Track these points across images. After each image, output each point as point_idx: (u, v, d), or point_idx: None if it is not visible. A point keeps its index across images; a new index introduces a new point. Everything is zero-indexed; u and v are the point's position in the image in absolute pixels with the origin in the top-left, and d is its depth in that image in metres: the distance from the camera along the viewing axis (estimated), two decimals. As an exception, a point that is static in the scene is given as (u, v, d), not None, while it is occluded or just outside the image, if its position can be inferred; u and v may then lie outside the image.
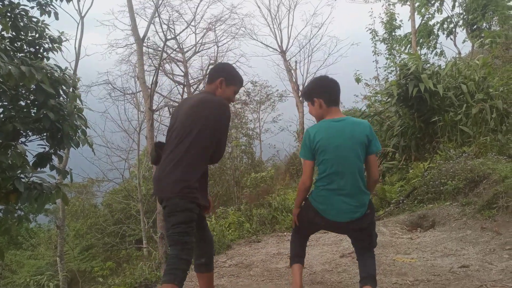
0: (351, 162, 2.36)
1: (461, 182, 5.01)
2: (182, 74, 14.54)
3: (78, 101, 3.95)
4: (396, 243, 4.26)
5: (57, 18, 4.60)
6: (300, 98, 14.47)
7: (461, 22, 16.09)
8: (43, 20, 4.30)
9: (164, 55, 12.50)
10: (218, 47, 14.97)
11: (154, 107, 9.39)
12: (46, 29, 4.29)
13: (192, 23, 14.02)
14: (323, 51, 29.10)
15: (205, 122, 2.32)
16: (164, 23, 12.60)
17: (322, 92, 2.52)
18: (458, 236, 4.07)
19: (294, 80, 16.16)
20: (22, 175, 3.53)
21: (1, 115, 3.58)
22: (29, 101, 3.78)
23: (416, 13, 15.49)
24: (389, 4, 16.89)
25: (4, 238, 13.52)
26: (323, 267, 3.72)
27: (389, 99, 7.98)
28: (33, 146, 3.88)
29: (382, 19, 17.07)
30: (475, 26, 15.34)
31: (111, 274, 11.42)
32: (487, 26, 15.02)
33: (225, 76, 2.53)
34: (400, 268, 3.40)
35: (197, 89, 15.58)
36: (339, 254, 4.02)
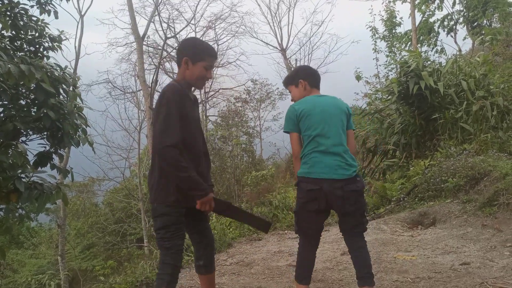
0: (336, 123, 2.46)
1: (461, 180, 5.00)
2: (182, 72, 14.49)
3: (78, 100, 3.94)
4: (397, 240, 4.26)
5: (56, 17, 4.60)
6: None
7: (461, 19, 16.07)
8: (43, 19, 4.29)
9: (164, 53, 12.50)
10: (218, 45, 14.98)
11: (154, 106, 9.37)
12: (46, 28, 4.28)
13: (192, 21, 14.05)
14: (323, 49, 29.16)
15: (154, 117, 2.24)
16: (164, 22, 12.62)
17: (307, 75, 2.71)
18: (459, 233, 4.07)
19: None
20: (22, 175, 3.53)
21: (2, 114, 3.57)
22: (29, 100, 3.78)
23: (416, 11, 15.45)
24: (389, 2, 16.86)
25: (5, 237, 13.55)
26: (324, 265, 3.72)
27: (389, 97, 7.97)
28: (34, 145, 3.88)
29: (382, 16, 17.05)
30: (475, 23, 15.33)
31: (112, 273, 11.43)
32: (488, 23, 15.00)
33: (188, 54, 2.24)
34: (401, 266, 3.40)
35: (197, 88, 15.56)
36: (340, 252, 4.03)
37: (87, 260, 15.13)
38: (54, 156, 3.89)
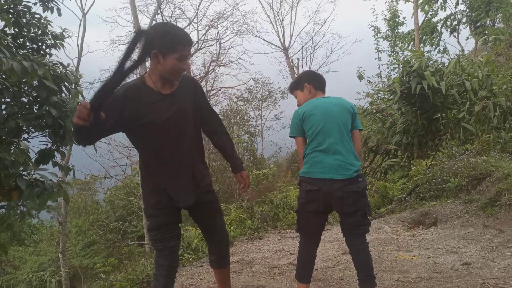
0: (338, 122, 2.44)
1: (463, 180, 4.99)
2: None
3: (80, 97, 3.95)
4: (398, 240, 4.26)
5: (59, 15, 4.60)
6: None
7: (464, 19, 16.00)
8: (46, 17, 4.31)
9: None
10: (220, 44, 14.99)
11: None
12: (49, 26, 4.29)
13: (195, 20, 14.07)
14: (326, 48, 29.19)
15: None
16: (167, 20, 12.60)
17: (311, 78, 2.71)
18: (461, 233, 4.07)
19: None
20: (24, 172, 3.54)
21: (4, 112, 3.58)
22: (31, 98, 3.79)
23: (419, 10, 15.40)
24: (392, 1, 16.82)
25: (7, 234, 13.58)
26: (325, 264, 3.72)
27: (391, 97, 7.95)
28: (36, 142, 3.90)
29: (385, 16, 17.00)
30: (478, 23, 15.26)
31: (113, 270, 11.46)
32: (491, 23, 14.95)
33: (157, 48, 1.95)
34: (402, 266, 3.39)
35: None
36: (341, 251, 4.03)
37: (88, 257, 15.18)
38: (56, 153, 3.90)
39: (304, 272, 2.54)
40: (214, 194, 2.37)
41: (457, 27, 16.40)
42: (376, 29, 16.75)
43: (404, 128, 7.32)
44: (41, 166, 3.75)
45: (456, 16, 16.27)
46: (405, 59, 8.42)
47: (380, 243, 4.17)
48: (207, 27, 14.62)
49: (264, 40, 16.85)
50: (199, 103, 2.26)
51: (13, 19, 3.90)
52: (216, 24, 14.63)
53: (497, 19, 14.75)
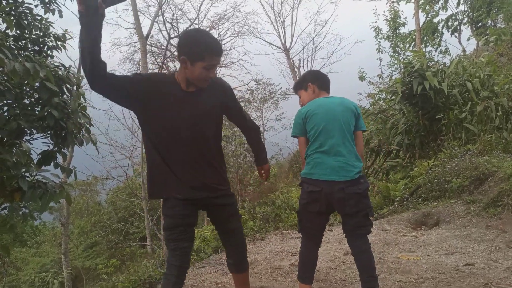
0: (341, 123, 2.42)
1: (465, 180, 4.98)
2: (186, 72, 14.53)
3: (82, 99, 3.95)
4: (401, 241, 4.25)
5: (61, 16, 4.60)
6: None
7: (466, 19, 15.99)
8: (47, 18, 4.31)
9: (168, 53, 12.51)
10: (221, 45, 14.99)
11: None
12: (50, 27, 4.29)
13: (196, 21, 14.07)
14: (327, 49, 29.22)
15: None
16: (168, 22, 12.64)
17: (315, 78, 2.69)
18: (463, 234, 4.06)
19: (297, 78, 16.13)
20: (26, 174, 3.54)
21: (6, 113, 3.59)
22: (33, 99, 3.79)
23: (420, 11, 15.39)
24: (393, 2, 16.82)
25: (9, 235, 13.62)
26: (327, 264, 3.71)
27: (393, 97, 7.94)
28: (37, 144, 3.89)
29: (386, 16, 17.00)
30: (480, 24, 15.24)
31: (115, 271, 11.48)
32: (492, 24, 14.93)
33: (186, 55, 2.01)
34: (404, 266, 3.39)
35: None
36: (343, 252, 4.02)
37: (90, 258, 15.21)
38: (57, 155, 3.90)
39: (306, 273, 2.54)
40: (231, 198, 2.37)
41: (458, 27, 16.38)
42: (377, 30, 16.76)
43: (405, 129, 7.31)
44: (43, 168, 3.75)
45: (458, 17, 16.25)
46: (406, 59, 8.40)
47: (382, 243, 4.16)
48: (208, 28, 14.63)
49: (265, 41, 16.87)
50: (229, 106, 2.33)
51: (14, 21, 3.91)
52: (217, 26, 14.66)
53: (499, 19, 14.73)
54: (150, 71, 11.11)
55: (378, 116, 8.50)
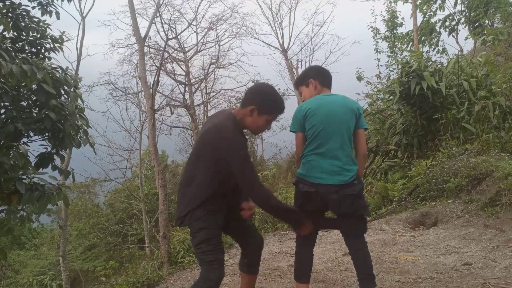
0: (341, 125, 2.40)
1: (463, 180, 4.99)
2: (184, 73, 14.55)
3: (79, 101, 3.95)
4: (399, 241, 4.25)
5: (58, 18, 4.60)
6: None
7: (463, 19, 16.03)
8: (44, 20, 4.30)
9: (166, 54, 12.49)
10: (219, 46, 14.97)
11: (155, 107, 9.39)
12: (48, 29, 4.28)
13: (193, 23, 14.06)
14: (325, 50, 29.19)
15: (210, 150, 2.16)
16: (166, 23, 12.61)
17: (317, 74, 2.64)
18: (461, 233, 4.06)
19: (295, 78, 16.11)
20: (24, 176, 3.53)
21: (3, 116, 3.58)
22: (30, 102, 3.78)
23: (418, 11, 15.43)
24: (390, 2, 16.83)
25: (7, 238, 13.56)
26: (326, 265, 3.71)
27: (391, 97, 7.96)
28: (35, 146, 3.88)
29: (384, 17, 17.00)
30: (477, 23, 15.29)
31: (113, 273, 11.47)
32: (490, 23, 14.98)
33: (257, 105, 2.21)
34: (402, 266, 3.39)
35: (199, 89, 15.59)
36: (342, 253, 4.02)
37: (89, 260, 15.17)
38: (55, 157, 3.89)
39: (303, 272, 2.55)
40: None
41: (455, 27, 16.43)
42: (375, 30, 16.76)
43: (403, 129, 7.31)
44: (40, 170, 3.74)
45: (455, 16, 16.30)
46: (404, 59, 8.42)
47: (380, 243, 4.16)
48: (206, 30, 14.62)
49: (263, 42, 16.79)
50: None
51: (12, 23, 3.90)
52: (215, 27, 14.63)
53: (496, 19, 14.78)
54: (147, 72, 11.09)
55: (376, 116, 8.51)
